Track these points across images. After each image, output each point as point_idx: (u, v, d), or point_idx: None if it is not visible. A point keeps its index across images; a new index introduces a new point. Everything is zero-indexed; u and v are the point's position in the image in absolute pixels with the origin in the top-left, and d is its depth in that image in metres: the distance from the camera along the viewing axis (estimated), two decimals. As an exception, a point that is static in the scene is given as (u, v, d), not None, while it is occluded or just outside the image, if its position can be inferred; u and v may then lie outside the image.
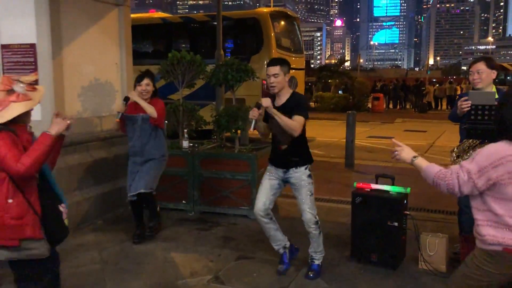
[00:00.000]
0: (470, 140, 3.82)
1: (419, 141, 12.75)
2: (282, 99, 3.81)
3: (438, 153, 10.28)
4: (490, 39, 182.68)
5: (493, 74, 3.85)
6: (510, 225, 2.20)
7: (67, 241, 2.83)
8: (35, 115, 2.71)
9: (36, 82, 4.86)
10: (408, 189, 4.14)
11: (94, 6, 5.62)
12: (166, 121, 5.16)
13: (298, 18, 13.44)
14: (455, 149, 4.00)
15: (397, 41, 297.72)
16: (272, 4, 52.96)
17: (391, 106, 26.54)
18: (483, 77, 3.80)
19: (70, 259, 4.15)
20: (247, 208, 5.43)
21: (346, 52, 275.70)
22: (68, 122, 2.63)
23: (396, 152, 2.48)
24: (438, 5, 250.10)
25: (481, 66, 3.82)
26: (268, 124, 3.85)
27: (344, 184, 7.40)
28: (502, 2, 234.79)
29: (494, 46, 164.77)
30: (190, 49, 8.66)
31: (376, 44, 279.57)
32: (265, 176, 3.98)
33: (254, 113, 3.60)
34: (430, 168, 2.35)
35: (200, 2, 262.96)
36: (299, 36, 12.98)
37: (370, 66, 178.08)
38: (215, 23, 10.14)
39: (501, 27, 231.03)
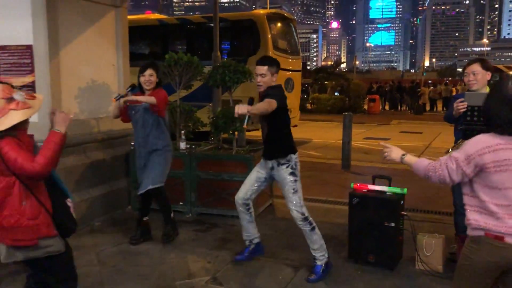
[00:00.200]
0: (465, 141, 3.84)
1: (415, 142, 12.80)
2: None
3: (434, 155, 10.31)
4: (485, 41, 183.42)
5: (488, 75, 3.88)
6: (492, 211, 2.28)
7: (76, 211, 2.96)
8: (32, 117, 2.73)
9: (32, 83, 4.92)
10: (405, 190, 4.16)
11: (91, 8, 5.62)
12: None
13: (294, 20, 13.47)
14: (450, 150, 4.01)
15: (393, 43, 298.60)
16: (268, 6, 53.05)
17: (387, 107, 26.63)
18: (479, 78, 3.83)
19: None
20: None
21: (342, 54, 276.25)
22: (71, 115, 2.71)
23: (386, 154, 2.59)
24: (433, 7, 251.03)
25: (476, 67, 3.84)
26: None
27: (341, 185, 7.42)
28: (497, 4, 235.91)
29: (489, 48, 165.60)
30: (186, 51, 8.66)
31: (372, 46, 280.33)
32: (255, 167, 4.14)
33: (244, 110, 3.59)
34: (419, 162, 2.45)
35: (196, 3, 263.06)
36: (296, 37, 13.01)
37: (366, 68, 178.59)
38: (212, 24, 10.15)
39: (496, 29, 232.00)
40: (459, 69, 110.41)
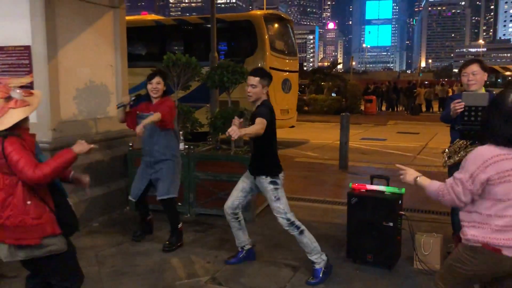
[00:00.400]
0: (461, 141, 3.87)
1: (412, 143, 12.84)
2: (256, 106, 3.93)
3: (431, 155, 10.37)
4: (481, 41, 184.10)
5: (485, 76, 3.91)
6: (493, 225, 2.29)
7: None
8: (31, 118, 2.75)
9: (31, 84, 4.91)
10: (403, 190, 4.18)
11: (89, 8, 5.62)
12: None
13: (291, 21, 13.49)
14: (446, 150, 4.05)
15: (389, 44, 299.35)
16: (265, 7, 53.12)
17: (384, 108, 26.69)
18: (478, 78, 3.85)
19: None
20: (242, 210, 5.42)
21: (339, 55, 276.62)
22: (92, 146, 2.78)
23: (402, 176, 2.62)
24: (429, 8, 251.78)
25: (475, 67, 3.86)
26: None
27: (338, 186, 7.45)
28: (492, 5, 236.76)
29: (485, 49, 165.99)
30: (184, 52, 8.67)
31: (368, 46, 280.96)
32: (242, 177, 4.18)
33: (235, 122, 3.74)
34: (431, 186, 2.46)
35: (193, 4, 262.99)
36: (293, 38, 13.03)
37: (362, 68, 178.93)
38: (209, 25, 10.16)
39: (491, 30, 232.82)
40: (455, 70, 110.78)
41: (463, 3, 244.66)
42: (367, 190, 4.25)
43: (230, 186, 5.44)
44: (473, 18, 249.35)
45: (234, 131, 3.52)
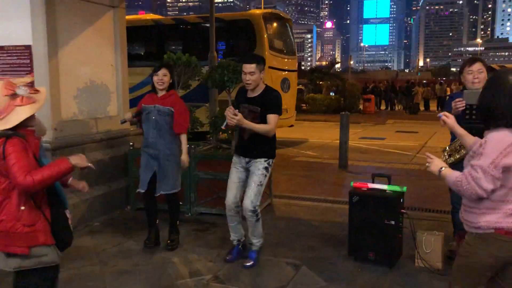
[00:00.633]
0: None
1: (411, 142, 12.87)
2: (255, 92, 3.97)
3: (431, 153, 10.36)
4: (478, 40, 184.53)
5: (487, 74, 3.92)
6: (505, 209, 2.27)
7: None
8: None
9: (32, 84, 4.90)
10: (404, 188, 4.20)
11: (89, 8, 5.62)
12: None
13: (290, 20, 13.49)
14: (447, 148, 4.06)
15: (387, 43, 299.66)
16: (263, 6, 52.98)
17: (383, 107, 26.72)
18: (482, 77, 3.85)
19: (69, 261, 4.13)
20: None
21: (337, 54, 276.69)
22: (89, 165, 2.65)
23: (428, 164, 2.54)
24: (427, 7, 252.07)
25: (480, 66, 3.86)
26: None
27: (338, 185, 7.46)
28: (490, 4, 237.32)
29: (483, 48, 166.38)
30: (182, 51, 8.67)
31: (366, 46, 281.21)
32: (232, 169, 4.19)
33: (228, 113, 3.80)
34: (451, 176, 2.37)
35: (190, 3, 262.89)
36: (292, 37, 13.04)
37: (360, 67, 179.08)
38: (208, 24, 10.16)
39: (489, 29, 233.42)
40: (453, 69, 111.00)
41: (460, 2, 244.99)
42: (368, 189, 4.26)
43: (231, 185, 5.48)
44: (471, 17, 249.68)
45: (240, 120, 3.62)
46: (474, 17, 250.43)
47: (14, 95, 2.41)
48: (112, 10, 5.97)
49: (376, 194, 4.18)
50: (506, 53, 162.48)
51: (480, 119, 2.42)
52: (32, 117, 2.51)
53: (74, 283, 3.82)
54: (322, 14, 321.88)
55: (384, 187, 4.23)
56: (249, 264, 4.08)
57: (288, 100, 12.12)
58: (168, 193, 4.54)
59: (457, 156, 3.90)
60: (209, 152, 5.87)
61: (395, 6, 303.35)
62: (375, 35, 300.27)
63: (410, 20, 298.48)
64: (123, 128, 5.97)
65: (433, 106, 26.16)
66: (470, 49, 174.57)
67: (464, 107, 3.68)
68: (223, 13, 14.28)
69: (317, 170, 8.69)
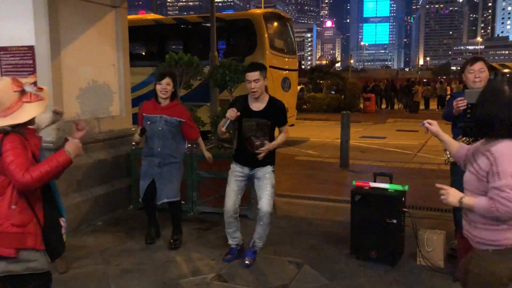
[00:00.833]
0: (464, 138, 3.90)
1: (412, 140, 12.88)
2: (261, 104, 4.02)
3: (431, 152, 10.41)
4: (478, 39, 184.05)
5: (488, 73, 3.94)
6: None
7: (68, 242, 2.79)
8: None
9: (34, 84, 4.92)
10: (406, 187, 4.22)
11: (91, 8, 5.64)
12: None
13: (291, 19, 13.52)
14: (449, 147, 4.06)
15: (387, 42, 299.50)
16: (263, 5, 52.98)
17: (383, 106, 26.74)
18: (483, 76, 3.87)
19: (72, 260, 4.16)
20: (245, 208, 5.46)
21: (337, 53, 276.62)
22: (83, 152, 2.56)
23: (443, 197, 2.37)
24: (427, 6, 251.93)
25: (482, 65, 3.88)
26: (243, 126, 3.99)
27: (340, 184, 7.48)
28: (490, 2, 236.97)
29: (483, 46, 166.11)
30: (183, 51, 8.69)
31: (367, 45, 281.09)
32: (230, 176, 4.21)
33: (232, 114, 3.85)
34: (480, 204, 2.24)
35: (190, 3, 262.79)
36: (292, 37, 13.06)
37: (360, 66, 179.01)
38: (209, 24, 10.18)
39: (489, 27, 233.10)
40: (453, 68, 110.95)
41: (460, 0, 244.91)
42: (370, 188, 4.28)
43: (233, 184, 5.51)
44: (471, 15, 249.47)
45: (267, 148, 3.83)
46: (474, 15, 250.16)
47: (23, 91, 2.38)
48: (114, 10, 5.99)
49: (378, 193, 4.21)
50: (506, 52, 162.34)
51: (478, 131, 2.39)
52: (32, 119, 2.46)
53: (78, 282, 3.84)
54: (322, 13, 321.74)
55: (386, 186, 4.25)
56: (249, 262, 4.12)
57: (289, 99, 12.15)
58: (173, 201, 4.57)
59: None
60: (211, 151, 5.87)
61: (395, 5, 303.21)
62: (375, 34, 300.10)
63: (410, 19, 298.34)
64: (125, 128, 5.99)
65: (433, 104, 26.16)
66: (470, 47, 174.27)
67: (465, 106, 3.70)
68: (223, 12, 14.27)
69: (318, 169, 8.71)
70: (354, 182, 4.43)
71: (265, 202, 4.01)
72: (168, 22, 13.67)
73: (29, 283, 2.39)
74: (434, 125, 2.70)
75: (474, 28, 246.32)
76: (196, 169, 5.63)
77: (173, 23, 13.56)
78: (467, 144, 3.83)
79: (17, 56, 5.00)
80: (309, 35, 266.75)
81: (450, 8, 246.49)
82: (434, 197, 5.98)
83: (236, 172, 4.15)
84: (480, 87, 3.88)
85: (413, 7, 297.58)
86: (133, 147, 4.61)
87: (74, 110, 5.41)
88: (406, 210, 4.18)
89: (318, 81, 26.16)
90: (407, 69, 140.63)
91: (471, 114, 3.65)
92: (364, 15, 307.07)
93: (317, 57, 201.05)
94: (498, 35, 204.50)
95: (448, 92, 24.76)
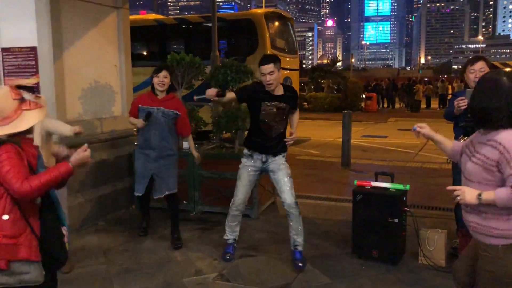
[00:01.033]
0: (466, 137, 3.91)
1: (413, 139, 12.84)
2: (278, 90, 4.07)
3: (432, 151, 10.40)
4: (480, 38, 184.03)
5: (490, 72, 3.94)
6: None
7: (71, 242, 2.77)
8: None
9: (37, 84, 4.95)
10: (407, 186, 4.24)
11: (93, 9, 5.66)
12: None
13: (292, 19, 13.54)
14: (451, 146, 4.08)
15: (388, 41, 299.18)
16: (264, 5, 53.09)
17: (385, 105, 26.74)
18: None
19: (75, 260, 4.19)
20: (248, 207, 5.47)
21: (338, 52, 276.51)
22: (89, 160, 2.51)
23: (459, 197, 2.30)
24: (428, 5, 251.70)
25: (483, 64, 3.88)
26: (261, 111, 4.01)
27: (341, 183, 7.49)
28: (491, 1, 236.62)
29: (484, 45, 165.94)
30: (184, 51, 8.71)
31: (368, 43, 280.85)
32: (242, 170, 4.21)
33: (212, 93, 3.87)
34: (500, 195, 2.19)
35: (191, 3, 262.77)
36: (293, 36, 13.08)
37: (361, 65, 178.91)
38: (210, 24, 10.19)
39: (490, 26, 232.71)
40: (454, 66, 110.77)
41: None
42: (372, 187, 4.30)
43: (235, 184, 5.52)
44: (472, 14, 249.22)
45: (295, 136, 4.00)
46: (475, 14, 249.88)
47: (22, 99, 2.37)
48: (115, 11, 6.01)
49: (379, 192, 4.22)
50: (508, 50, 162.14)
51: (478, 122, 2.37)
52: (29, 128, 2.40)
53: (81, 282, 3.86)
54: (323, 12, 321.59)
55: (387, 185, 4.27)
56: (301, 264, 4.04)
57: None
58: (172, 193, 4.61)
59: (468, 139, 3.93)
60: (213, 151, 5.91)
61: (396, 4, 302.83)
62: (376, 33, 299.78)
63: (411, 18, 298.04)
64: (127, 128, 6.01)
65: (434, 103, 26.16)
66: (471, 46, 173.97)
67: (466, 106, 3.71)
68: (224, 12, 14.29)
69: (319, 169, 8.73)
70: (355, 182, 4.44)
71: (287, 194, 4.02)
72: (169, 22, 13.69)
73: None
74: (425, 128, 2.66)
75: (475, 26, 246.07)
76: (198, 168, 5.65)
77: (174, 23, 13.58)
78: (469, 143, 3.87)
79: (20, 57, 5.01)
80: (310, 34, 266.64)
81: (451, 7, 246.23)
82: (436, 196, 6.00)
83: (248, 166, 4.14)
84: None
85: (414, 6, 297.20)
86: (134, 131, 4.59)
87: (76, 110, 5.43)
88: (408, 209, 4.19)
89: (319, 80, 26.17)
90: (408, 68, 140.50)
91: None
92: (365, 14, 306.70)
93: (318, 56, 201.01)
94: (499, 33, 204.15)
95: (450, 91, 24.75)
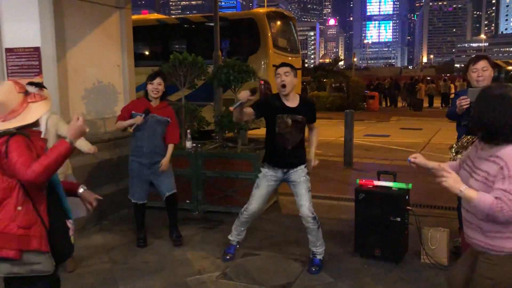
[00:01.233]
0: (468, 136, 3.92)
1: (415, 139, 12.89)
2: (294, 101, 4.00)
3: (435, 151, 10.42)
4: (482, 36, 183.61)
5: (492, 72, 3.94)
6: None
7: (75, 241, 2.79)
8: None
9: (37, 84, 4.98)
10: (410, 185, 4.25)
11: (96, 9, 5.69)
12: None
13: (294, 18, 13.52)
14: (454, 145, 4.10)
15: (390, 40, 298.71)
16: (266, 4, 53.07)
17: (387, 104, 26.72)
18: (487, 74, 3.87)
19: (80, 259, 4.22)
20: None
21: (340, 51, 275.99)
22: (86, 129, 2.47)
23: (444, 179, 2.25)
24: (430, 3, 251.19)
25: (485, 63, 3.88)
26: (277, 124, 3.95)
27: (344, 182, 7.51)
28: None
29: (487, 44, 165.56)
30: (186, 50, 8.72)
31: (370, 42, 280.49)
32: (262, 180, 4.14)
33: (244, 95, 3.67)
34: (482, 198, 2.17)
35: (193, 2, 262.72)
36: (296, 36, 13.07)
37: (364, 64, 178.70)
38: (212, 24, 10.20)
39: (493, 25, 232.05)
40: (457, 65, 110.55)
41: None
42: (374, 186, 4.31)
43: (237, 183, 5.56)
44: (475, 12, 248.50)
45: (315, 163, 4.06)
46: (478, 12, 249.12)
47: (26, 92, 2.40)
48: (118, 11, 6.05)
49: (382, 191, 4.24)
50: (511, 49, 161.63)
51: (486, 136, 2.31)
52: (36, 121, 2.45)
53: (85, 281, 3.89)
54: (325, 11, 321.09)
55: (390, 184, 4.28)
56: (316, 270, 4.02)
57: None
58: (171, 194, 4.64)
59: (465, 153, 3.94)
60: (215, 150, 5.93)
61: (398, 3, 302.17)
62: (379, 32, 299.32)
63: (414, 17, 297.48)
64: (130, 128, 6.03)
65: (437, 102, 26.12)
66: (474, 45, 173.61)
67: (468, 105, 3.71)
68: (226, 12, 14.31)
69: (322, 168, 8.68)
70: (358, 181, 4.45)
71: (305, 208, 3.99)
72: (171, 22, 13.71)
73: (34, 285, 2.39)
74: (419, 157, 2.64)
75: (478, 25, 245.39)
76: (201, 168, 5.67)
77: (177, 23, 13.60)
78: (471, 142, 3.87)
79: (23, 57, 5.05)
80: (312, 33, 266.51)
81: (454, 5, 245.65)
82: (438, 195, 6.02)
83: (269, 176, 4.09)
84: (483, 86, 3.89)
85: (417, 5, 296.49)
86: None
87: (79, 110, 5.46)
88: (410, 208, 4.21)
89: (321, 80, 26.15)
90: (410, 67, 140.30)
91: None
92: (367, 13, 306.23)
93: (320, 55, 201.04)
94: (502, 32, 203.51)
95: (452, 90, 24.72)
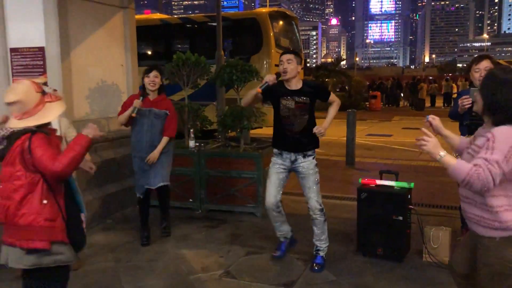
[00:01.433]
0: (471, 136, 3.93)
1: (418, 138, 12.87)
2: (297, 85, 4.02)
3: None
4: (485, 36, 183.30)
5: (494, 71, 3.95)
6: None
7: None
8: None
9: (45, 84, 5.01)
10: (412, 184, 4.27)
11: (100, 9, 5.72)
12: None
13: (296, 18, 13.55)
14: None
15: (392, 39, 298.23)
16: (268, 4, 53.11)
17: (390, 103, 26.71)
18: None
19: (84, 257, 4.24)
20: (253, 206, 5.55)
21: (342, 51, 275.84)
22: (102, 133, 2.73)
23: (423, 142, 2.27)
24: (432, 3, 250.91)
25: (488, 63, 3.89)
26: (281, 107, 3.99)
27: (346, 182, 7.53)
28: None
29: (489, 43, 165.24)
30: (189, 50, 8.74)
31: (372, 42, 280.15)
32: (272, 169, 4.15)
33: (271, 78, 3.83)
34: (460, 165, 2.18)
35: (195, 2, 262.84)
36: (298, 35, 13.10)
37: (366, 64, 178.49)
38: (214, 23, 10.23)
39: (496, 24, 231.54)
40: (459, 65, 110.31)
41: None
42: (376, 185, 4.33)
43: (240, 182, 5.59)
44: (477, 12, 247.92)
45: (322, 131, 3.93)
46: (480, 12, 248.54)
47: (44, 92, 2.53)
48: (122, 11, 6.08)
49: (384, 190, 4.25)
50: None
51: (489, 112, 2.35)
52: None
53: (89, 279, 3.92)
54: (327, 11, 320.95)
55: (392, 183, 4.30)
56: (318, 268, 4.03)
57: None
58: (164, 185, 4.67)
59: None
60: (218, 150, 5.96)
61: (400, 2, 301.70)
62: (381, 32, 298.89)
63: (416, 16, 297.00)
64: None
65: (439, 102, 26.10)
66: (476, 44, 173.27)
67: (470, 105, 3.73)
68: (228, 11, 14.33)
69: (324, 167, 8.72)
70: (360, 180, 4.47)
71: (313, 200, 4.03)
72: (174, 22, 13.75)
73: (53, 275, 2.54)
74: (436, 120, 2.71)
75: (480, 24, 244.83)
76: (204, 167, 5.70)
77: (179, 23, 13.63)
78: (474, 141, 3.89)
79: (28, 57, 5.08)
80: (314, 33, 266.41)
81: (456, 5, 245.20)
82: (440, 194, 6.03)
83: (277, 165, 4.11)
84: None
85: (419, 4, 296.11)
86: (133, 111, 4.53)
87: (83, 110, 5.50)
88: (412, 207, 4.22)
89: (323, 79, 26.15)
90: (412, 67, 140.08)
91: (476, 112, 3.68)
92: (369, 13, 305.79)
93: (323, 55, 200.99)
94: (504, 31, 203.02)
95: (454, 90, 24.70)
